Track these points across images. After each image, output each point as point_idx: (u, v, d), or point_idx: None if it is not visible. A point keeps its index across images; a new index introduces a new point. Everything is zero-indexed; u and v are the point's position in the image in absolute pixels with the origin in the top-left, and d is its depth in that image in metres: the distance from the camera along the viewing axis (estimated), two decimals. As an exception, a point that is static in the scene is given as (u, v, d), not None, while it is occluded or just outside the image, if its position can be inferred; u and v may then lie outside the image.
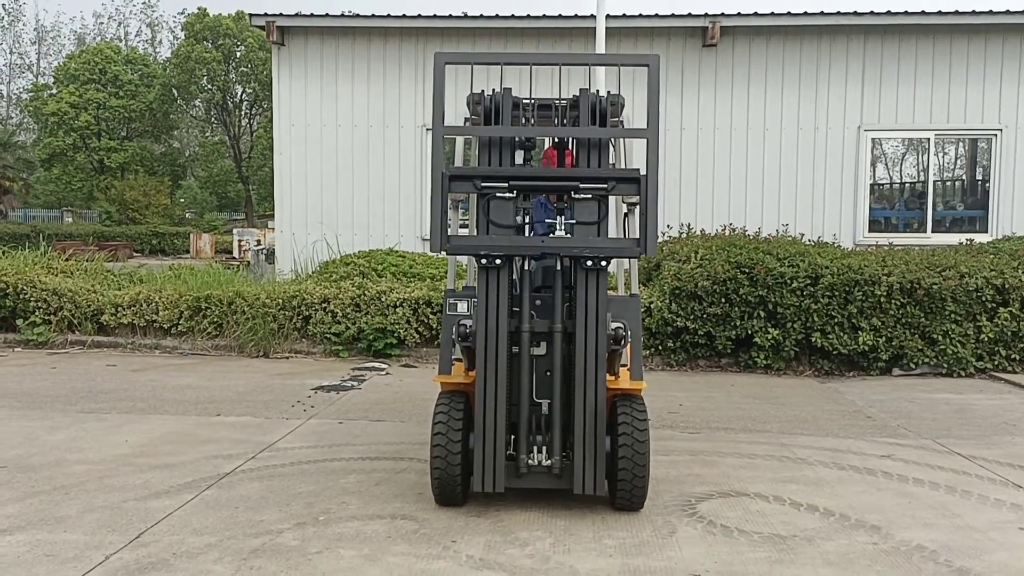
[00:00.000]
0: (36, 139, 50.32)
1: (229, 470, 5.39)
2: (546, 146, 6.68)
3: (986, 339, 9.14)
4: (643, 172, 4.48)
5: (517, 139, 4.91)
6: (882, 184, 15.36)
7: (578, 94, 4.86)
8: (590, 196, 4.50)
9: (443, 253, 4.55)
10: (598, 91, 5.00)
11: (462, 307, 4.88)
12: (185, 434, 6.33)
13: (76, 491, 4.93)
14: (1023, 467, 5.72)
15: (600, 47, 10.19)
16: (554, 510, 4.66)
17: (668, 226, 11.81)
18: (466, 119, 5.25)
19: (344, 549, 4.09)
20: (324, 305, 10.08)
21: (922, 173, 14.51)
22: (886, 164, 16.08)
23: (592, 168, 4.59)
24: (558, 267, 4.73)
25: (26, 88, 56.12)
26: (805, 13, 13.27)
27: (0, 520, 4.44)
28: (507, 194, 4.49)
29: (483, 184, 4.48)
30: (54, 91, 46.71)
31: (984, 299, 9.10)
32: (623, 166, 5.26)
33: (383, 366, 9.47)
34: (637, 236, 5.06)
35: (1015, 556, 4.14)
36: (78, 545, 4.09)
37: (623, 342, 4.72)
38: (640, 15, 13.22)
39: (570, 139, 5.03)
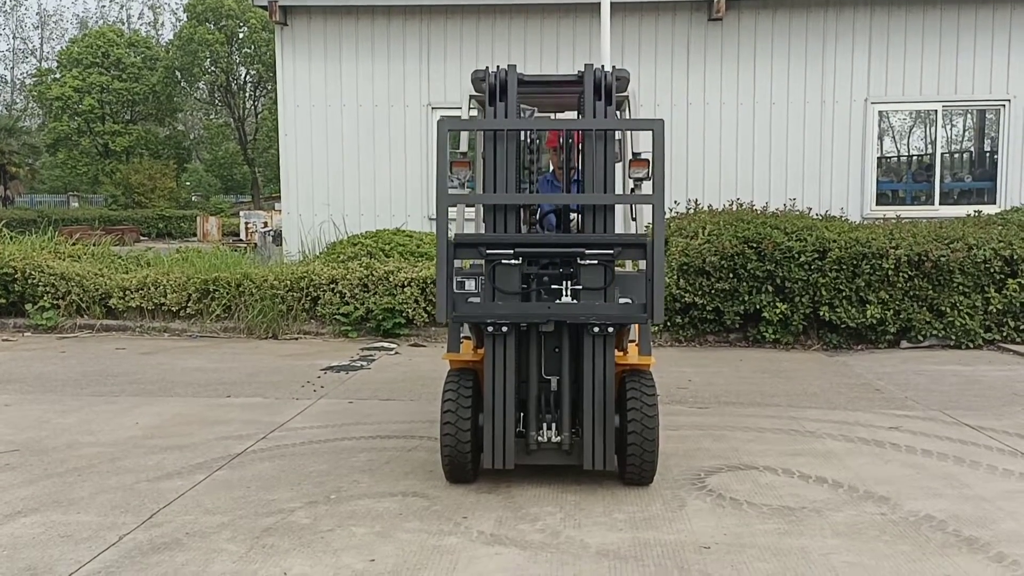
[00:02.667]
0: (41, 124, 50.36)
1: (240, 450, 5.43)
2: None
3: (994, 311, 9.11)
4: (648, 238, 4.42)
5: (520, 115, 4.88)
6: (889, 157, 15.28)
7: (583, 70, 4.83)
8: (596, 262, 4.45)
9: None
10: (603, 66, 4.96)
11: (470, 285, 4.88)
12: (195, 416, 6.36)
13: (88, 473, 4.97)
14: (1032, 437, 5.73)
15: (605, 23, 10.11)
16: (564, 486, 4.69)
17: (675, 202, 11.77)
18: (471, 96, 5.22)
19: (356, 526, 4.13)
20: (332, 286, 10.10)
21: (930, 145, 14.40)
22: (893, 137, 15.98)
23: (598, 234, 4.52)
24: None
25: (30, 73, 56.14)
26: (811, -15, 13.15)
27: (14, 502, 4.48)
28: (513, 261, 4.44)
29: (489, 252, 4.44)
30: (57, 75, 46.67)
31: (992, 271, 9.07)
32: (629, 146, 5.23)
33: (392, 346, 9.49)
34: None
35: (1023, 525, 4.16)
36: (92, 526, 4.13)
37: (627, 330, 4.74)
38: (645, -11, 13.12)
39: (578, 117, 5.01)
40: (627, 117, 5.27)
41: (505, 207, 4.65)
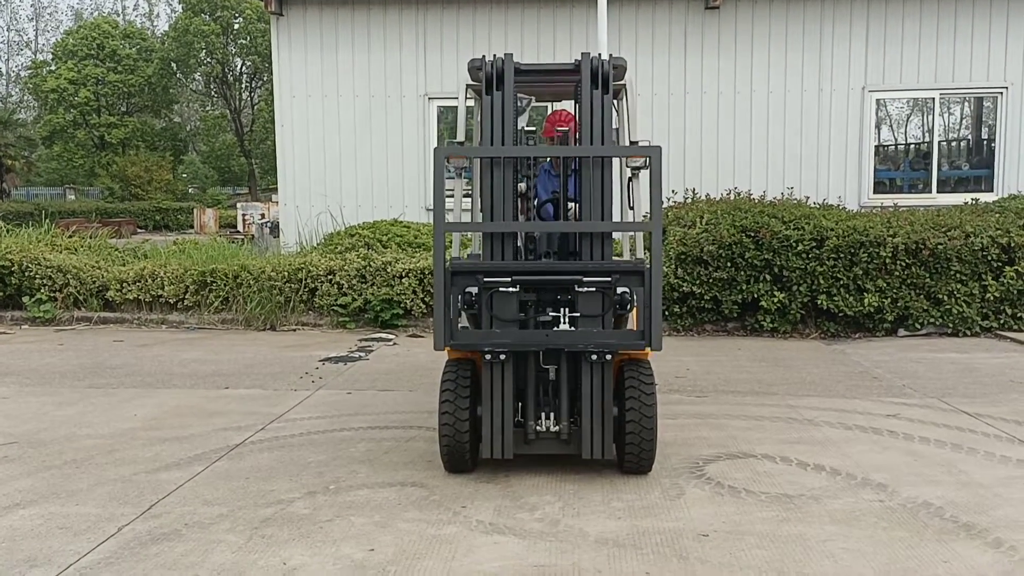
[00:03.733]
0: (36, 116, 50.18)
1: (239, 442, 5.43)
2: (549, 111, 6.62)
3: (992, 298, 9.12)
4: (647, 264, 4.40)
5: (517, 104, 4.87)
6: (887, 145, 15.26)
7: (580, 58, 4.82)
8: (594, 289, 4.44)
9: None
10: (600, 54, 4.95)
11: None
12: (194, 407, 6.36)
13: (87, 465, 4.97)
14: (1030, 424, 5.74)
15: (601, 12, 10.09)
16: (563, 475, 4.69)
17: (673, 191, 11.75)
18: (468, 85, 5.21)
19: (355, 517, 4.13)
20: (330, 277, 10.09)
21: (927, 134, 14.40)
22: (891, 125, 15.97)
23: (595, 262, 4.50)
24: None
25: (25, 65, 55.93)
26: (808, -27, 13.12)
27: (13, 494, 4.48)
28: (510, 288, 4.43)
29: (486, 280, 4.43)
30: (53, 68, 46.46)
31: (990, 258, 9.07)
32: (627, 135, 5.22)
33: (390, 337, 9.49)
34: (640, 210, 5.05)
35: (1021, 511, 4.16)
36: (91, 518, 4.13)
37: (628, 307, 4.73)
38: (641, -22, 13.09)
39: (575, 106, 4.98)
40: (624, 106, 5.26)
41: (503, 202, 4.63)
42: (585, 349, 4.42)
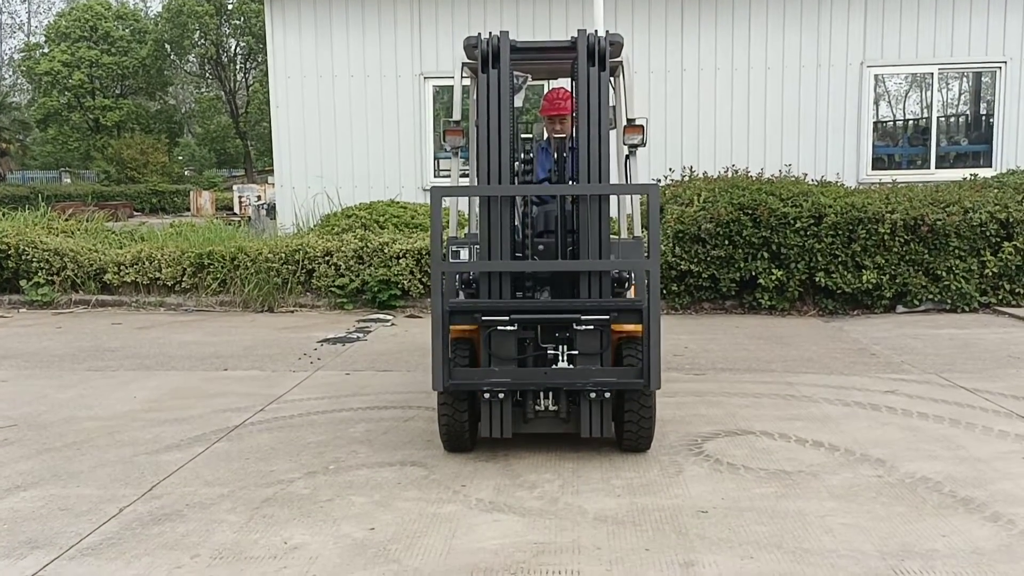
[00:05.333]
0: (30, 100, 49.87)
1: (238, 423, 5.43)
2: (546, 90, 6.58)
3: (990, 274, 9.13)
4: (645, 303, 4.38)
5: (514, 82, 4.84)
6: (885, 121, 15.23)
7: (576, 35, 4.78)
8: (592, 327, 4.41)
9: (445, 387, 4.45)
10: (596, 31, 4.91)
11: (464, 254, 4.87)
12: (193, 389, 6.37)
13: (87, 447, 4.98)
14: (1027, 399, 5.75)
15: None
16: (562, 453, 4.70)
17: (670, 169, 11.72)
18: (463, 63, 5.18)
19: (355, 496, 4.14)
20: (327, 258, 10.08)
21: (925, 109, 14.36)
22: (889, 101, 15.94)
23: (593, 300, 4.47)
24: (559, 212, 4.72)
25: (18, 48, 55.55)
26: (805, -53, 13.03)
27: (14, 476, 4.49)
28: (508, 327, 4.41)
29: (484, 318, 4.41)
30: (46, 50, 46.15)
31: (988, 234, 9.07)
32: (624, 112, 5.20)
33: (388, 317, 9.49)
34: (640, 182, 5.04)
35: (1019, 485, 4.18)
36: (92, 499, 4.14)
37: (627, 284, 4.73)
38: (637, -46, 12.99)
39: (572, 84, 4.95)
40: (622, 83, 5.23)
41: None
42: (584, 388, 4.43)
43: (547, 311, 4.49)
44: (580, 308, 4.45)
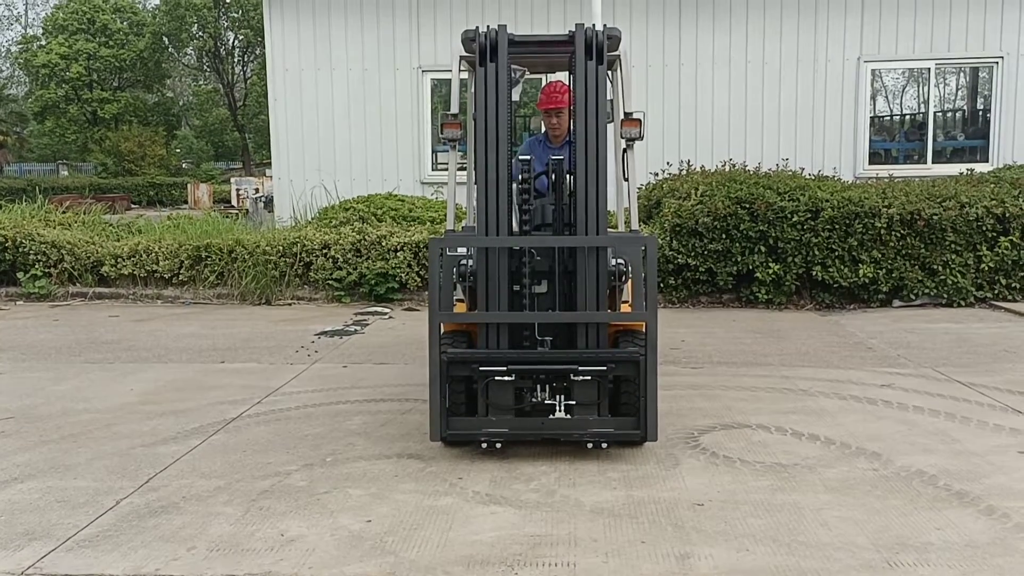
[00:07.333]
0: (28, 92, 49.76)
1: (235, 415, 5.44)
2: (543, 83, 6.56)
3: (986, 268, 9.14)
4: (642, 354, 4.38)
5: (511, 75, 4.84)
6: (882, 116, 15.25)
7: (574, 29, 4.79)
8: (589, 378, 4.40)
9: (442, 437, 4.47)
10: (594, 25, 4.91)
11: (462, 248, 4.87)
12: (190, 381, 6.37)
13: (84, 439, 4.98)
14: (1022, 393, 5.77)
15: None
16: (558, 446, 4.71)
17: (668, 163, 11.72)
18: (461, 57, 5.18)
19: (352, 488, 4.15)
20: (325, 251, 10.07)
21: (922, 104, 14.36)
22: (886, 96, 15.95)
23: (591, 350, 4.47)
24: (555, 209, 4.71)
25: (15, 40, 55.35)
26: (804, -58, 13.02)
27: (11, 469, 4.49)
28: (506, 378, 4.41)
29: (482, 369, 4.41)
30: (43, 42, 46.00)
31: (984, 228, 9.08)
32: (621, 106, 5.20)
33: (386, 310, 9.50)
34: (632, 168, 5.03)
35: (1014, 479, 4.19)
36: (89, 491, 4.15)
37: (623, 278, 4.73)
38: (636, -52, 12.98)
39: (570, 78, 4.94)
40: (619, 76, 5.23)
41: (497, 191, 4.58)
42: (581, 439, 4.44)
43: (544, 362, 4.48)
44: (577, 359, 4.45)
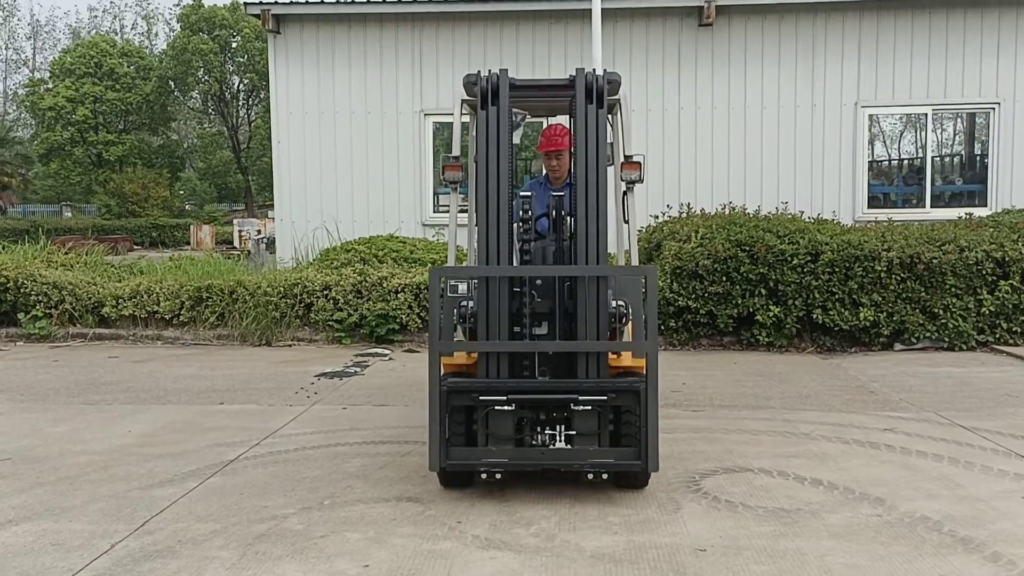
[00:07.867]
0: (34, 134, 50.19)
1: (233, 457, 5.40)
2: (544, 126, 6.61)
3: (987, 312, 9.13)
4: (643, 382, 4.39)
5: (512, 119, 4.88)
6: (880, 161, 15.36)
7: (575, 74, 4.84)
8: (589, 407, 4.41)
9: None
10: (594, 70, 4.97)
11: (462, 288, 4.87)
12: (188, 423, 6.34)
13: (80, 481, 4.94)
14: (1026, 438, 5.73)
15: (596, 29, 10.12)
16: (559, 489, 4.67)
17: (668, 206, 11.78)
18: (463, 100, 5.23)
19: (350, 532, 4.11)
20: (326, 292, 10.08)
21: (920, 149, 14.47)
22: (884, 141, 16.07)
23: (592, 380, 4.49)
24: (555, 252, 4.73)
25: (22, 83, 56.01)
26: (800, -10, 13.21)
27: (6, 511, 4.45)
28: (506, 407, 4.41)
29: (482, 398, 4.43)
30: (50, 86, 46.53)
31: (984, 272, 9.09)
32: (621, 149, 5.24)
33: (386, 352, 9.48)
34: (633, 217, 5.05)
35: (1018, 525, 4.15)
36: (84, 534, 4.11)
37: (624, 320, 4.73)
38: (636, -5, 13.17)
39: (570, 121, 4.98)
40: (619, 120, 5.28)
41: (498, 231, 4.60)
42: (581, 470, 4.42)
43: (545, 391, 4.47)
44: (577, 388, 4.44)
